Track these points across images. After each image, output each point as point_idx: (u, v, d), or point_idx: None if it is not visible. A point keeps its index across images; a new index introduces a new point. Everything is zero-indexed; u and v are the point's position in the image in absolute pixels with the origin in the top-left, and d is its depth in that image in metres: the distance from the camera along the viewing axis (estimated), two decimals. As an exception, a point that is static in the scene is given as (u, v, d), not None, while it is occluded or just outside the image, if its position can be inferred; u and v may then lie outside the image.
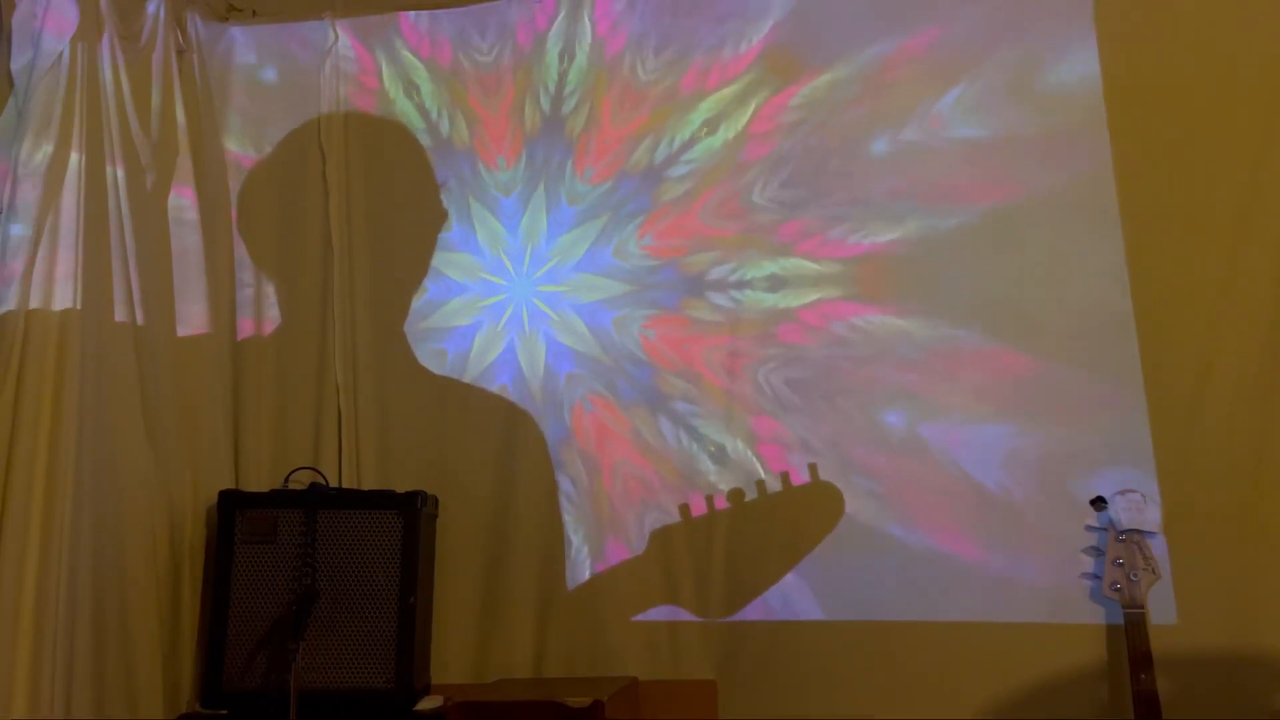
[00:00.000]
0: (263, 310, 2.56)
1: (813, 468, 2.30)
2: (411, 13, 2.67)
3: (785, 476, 2.30)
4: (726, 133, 2.48)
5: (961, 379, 2.29)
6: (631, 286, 2.47)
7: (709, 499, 2.33)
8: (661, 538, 2.34)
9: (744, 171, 2.46)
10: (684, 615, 2.30)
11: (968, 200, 2.35)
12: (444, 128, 2.62)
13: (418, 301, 2.55)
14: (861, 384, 2.33)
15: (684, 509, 2.33)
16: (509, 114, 2.60)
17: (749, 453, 2.35)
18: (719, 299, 2.43)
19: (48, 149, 2.05)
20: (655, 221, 2.48)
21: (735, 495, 2.32)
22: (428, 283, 2.55)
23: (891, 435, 2.30)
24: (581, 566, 2.37)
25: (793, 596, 2.28)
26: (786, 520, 2.29)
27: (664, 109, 2.52)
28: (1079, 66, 2.35)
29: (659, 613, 2.32)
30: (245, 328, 2.55)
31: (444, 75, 2.64)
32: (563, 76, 2.58)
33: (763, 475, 2.31)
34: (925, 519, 2.25)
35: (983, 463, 2.25)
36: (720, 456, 2.35)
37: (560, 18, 2.60)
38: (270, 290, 2.57)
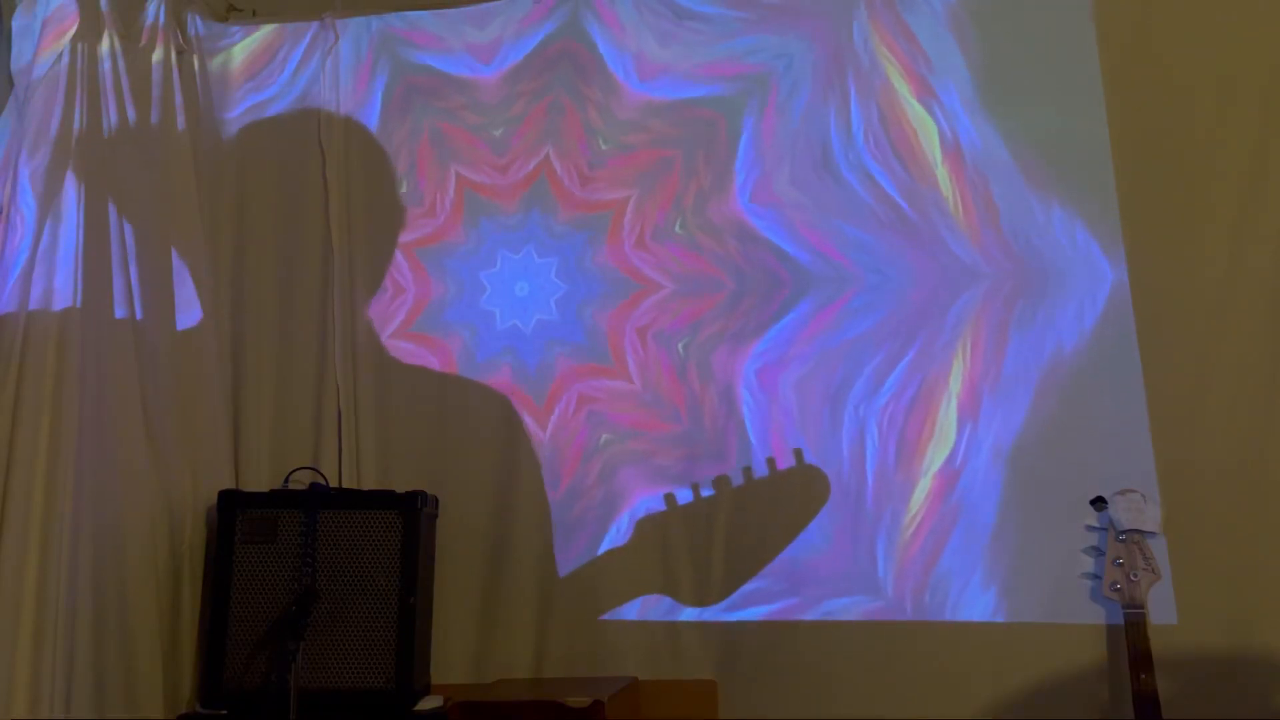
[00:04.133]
0: (263, 310, 2.56)
1: (797, 453, 2.30)
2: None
3: (771, 461, 2.31)
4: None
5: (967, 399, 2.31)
6: (622, 285, 2.48)
7: (695, 487, 2.33)
8: (654, 529, 2.34)
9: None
10: (681, 611, 2.30)
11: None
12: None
13: (417, 301, 2.55)
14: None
15: (669, 498, 2.34)
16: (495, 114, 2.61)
17: (739, 440, 2.36)
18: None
19: (48, 149, 2.05)
20: (643, 220, 2.50)
21: (721, 482, 2.32)
22: (428, 282, 2.56)
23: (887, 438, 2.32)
24: (581, 565, 2.37)
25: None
26: (775, 505, 2.30)
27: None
28: (1078, 64, 2.36)
29: (658, 610, 2.32)
30: (245, 327, 2.54)
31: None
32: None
33: (750, 461, 2.32)
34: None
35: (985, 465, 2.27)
36: (715, 445, 2.36)
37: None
38: (270, 290, 2.57)
